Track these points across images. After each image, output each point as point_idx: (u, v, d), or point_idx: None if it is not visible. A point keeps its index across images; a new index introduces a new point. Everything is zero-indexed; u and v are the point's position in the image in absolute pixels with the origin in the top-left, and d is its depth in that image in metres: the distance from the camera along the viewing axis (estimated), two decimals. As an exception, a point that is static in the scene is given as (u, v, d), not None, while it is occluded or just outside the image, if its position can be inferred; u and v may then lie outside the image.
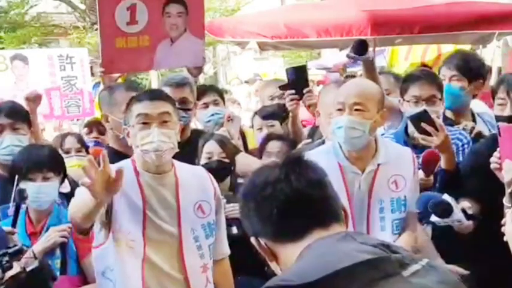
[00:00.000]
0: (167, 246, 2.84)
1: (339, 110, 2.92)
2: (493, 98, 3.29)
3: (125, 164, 2.79)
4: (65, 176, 3.42)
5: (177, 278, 2.84)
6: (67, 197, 3.51)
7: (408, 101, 3.51)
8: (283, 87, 4.15)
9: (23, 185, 3.18)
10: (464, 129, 3.64)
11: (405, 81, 3.68)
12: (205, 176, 3.07)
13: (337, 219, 1.67)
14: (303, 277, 1.46)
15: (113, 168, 2.55)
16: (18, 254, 2.51)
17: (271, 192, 1.66)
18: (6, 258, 2.46)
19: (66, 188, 3.53)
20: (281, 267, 1.67)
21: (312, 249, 1.57)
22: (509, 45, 9.27)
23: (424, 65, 8.06)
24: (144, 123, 2.80)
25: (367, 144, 2.96)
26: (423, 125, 3.26)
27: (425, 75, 3.58)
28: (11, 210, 3.20)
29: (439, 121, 3.30)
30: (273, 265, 1.70)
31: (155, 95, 2.93)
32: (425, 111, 3.34)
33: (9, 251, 2.48)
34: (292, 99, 3.96)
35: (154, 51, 4.10)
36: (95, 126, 5.14)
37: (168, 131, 2.81)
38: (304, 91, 3.95)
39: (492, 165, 2.89)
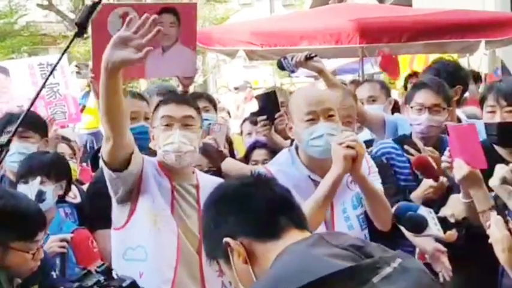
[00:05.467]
0: (189, 243, 2.87)
1: (311, 120, 2.85)
2: (482, 106, 3.27)
3: (151, 158, 2.92)
4: (69, 183, 3.44)
5: (196, 276, 2.88)
6: (77, 208, 3.57)
7: (412, 107, 3.54)
8: (255, 114, 4.24)
9: (19, 187, 3.22)
10: None
11: (413, 88, 3.70)
12: None
13: (308, 228, 1.73)
14: (278, 286, 1.48)
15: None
16: (108, 271, 2.46)
17: (255, 190, 1.72)
18: (103, 276, 2.41)
19: (76, 198, 3.56)
20: (255, 270, 1.66)
21: (286, 254, 1.59)
22: (496, 54, 9.36)
23: (414, 72, 8.14)
24: (167, 125, 2.88)
25: None
26: (406, 147, 3.40)
27: (432, 83, 3.59)
28: None
29: (421, 144, 3.38)
30: (243, 268, 1.66)
31: (181, 99, 3.01)
32: (405, 135, 3.47)
33: (98, 269, 2.44)
34: (264, 125, 4.02)
35: (145, 60, 4.13)
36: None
37: (190, 134, 2.88)
38: (276, 115, 4.03)
39: (443, 165, 2.94)
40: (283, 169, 2.90)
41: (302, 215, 1.75)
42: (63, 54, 3.03)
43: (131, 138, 2.80)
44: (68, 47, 3.03)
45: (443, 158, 2.93)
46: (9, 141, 2.90)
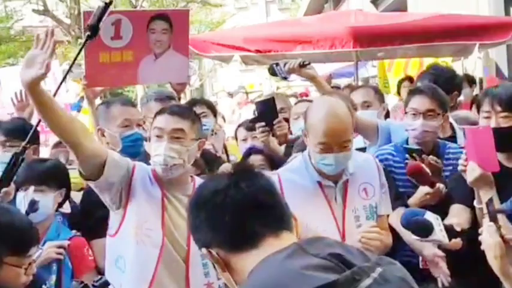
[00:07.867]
0: (177, 254, 2.86)
1: (324, 149, 2.80)
2: (478, 111, 3.27)
3: (146, 166, 2.93)
4: (68, 192, 3.43)
5: (181, 286, 2.87)
6: (67, 218, 3.55)
7: (407, 113, 3.56)
8: (253, 120, 4.25)
9: (18, 196, 3.22)
10: None
11: (409, 94, 3.71)
12: None
13: (288, 228, 1.66)
14: None
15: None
16: (105, 285, 2.44)
17: (223, 199, 1.64)
18: None
19: (67, 209, 3.54)
20: (235, 278, 1.65)
21: (261, 267, 1.54)
22: (490, 57, 9.38)
23: (408, 76, 8.15)
24: (158, 136, 2.89)
25: None
26: (414, 155, 3.42)
27: (427, 89, 3.59)
28: None
29: (428, 158, 3.37)
30: (225, 275, 1.67)
31: (175, 111, 2.96)
32: (417, 149, 3.47)
33: (96, 283, 2.42)
34: (263, 131, 4.03)
35: (137, 67, 4.13)
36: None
37: (179, 147, 2.85)
38: (274, 122, 4.04)
39: (459, 168, 2.97)
40: (294, 178, 2.90)
41: (280, 215, 1.67)
42: (74, 60, 3.02)
43: (99, 147, 2.83)
44: (78, 53, 3.03)
45: (460, 161, 2.96)
46: (24, 150, 2.91)
